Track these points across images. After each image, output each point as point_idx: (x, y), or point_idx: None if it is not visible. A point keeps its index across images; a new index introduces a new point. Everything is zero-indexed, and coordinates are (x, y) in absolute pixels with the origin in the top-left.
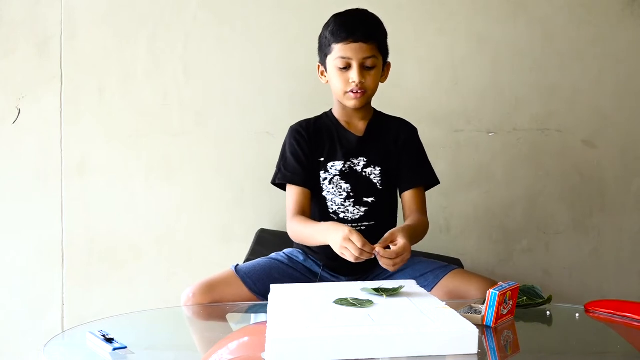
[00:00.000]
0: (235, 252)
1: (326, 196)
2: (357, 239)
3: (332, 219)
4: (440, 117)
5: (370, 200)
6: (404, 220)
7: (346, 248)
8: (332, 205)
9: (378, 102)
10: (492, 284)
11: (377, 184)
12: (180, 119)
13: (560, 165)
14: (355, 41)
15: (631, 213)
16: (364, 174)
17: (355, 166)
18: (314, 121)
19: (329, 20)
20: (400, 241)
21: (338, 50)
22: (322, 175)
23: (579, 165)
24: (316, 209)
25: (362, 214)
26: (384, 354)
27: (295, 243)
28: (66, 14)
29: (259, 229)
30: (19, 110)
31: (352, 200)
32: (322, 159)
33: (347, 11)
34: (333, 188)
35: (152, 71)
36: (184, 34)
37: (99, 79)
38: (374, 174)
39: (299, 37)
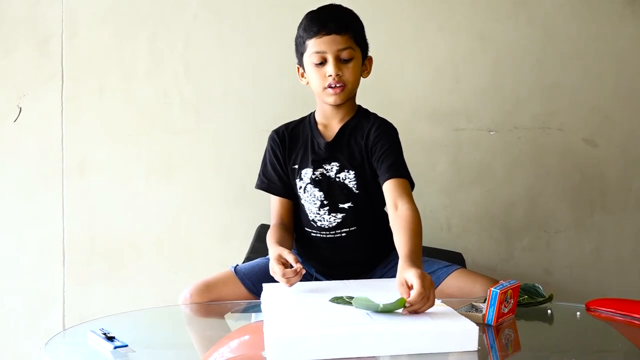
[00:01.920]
0: (235, 251)
1: (304, 204)
2: (277, 271)
3: (312, 226)
4: (441, 116)
5: (346, 206)
6: (389, 212)
7: (275, 273)
8: (309, 213)
9: (379, 102)
10: (494, 282)
11: (353, 188)
12: (181, 118)
13: (561, 164)
14: (328, 33)
15: (632, 212)
16: (337, 179)
17: (328, 172)
18: (293, 125)
19: (301, 20)
20: (416, 286)
21: (312, 45)
22: (298, 183)
23: (580, 164)
24: (299, 216)
25: (339, 220)
26: (384, 352)
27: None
28: (67, 13)
29: (259, 224)
30: (20, 108)
31: (326, 208)
32: (296, 166)
33: (319, 7)
34: (308, 196)
35: (153, 70)
36: (184, 33)
37: (100, 77)
38: (349, 178)
39: None
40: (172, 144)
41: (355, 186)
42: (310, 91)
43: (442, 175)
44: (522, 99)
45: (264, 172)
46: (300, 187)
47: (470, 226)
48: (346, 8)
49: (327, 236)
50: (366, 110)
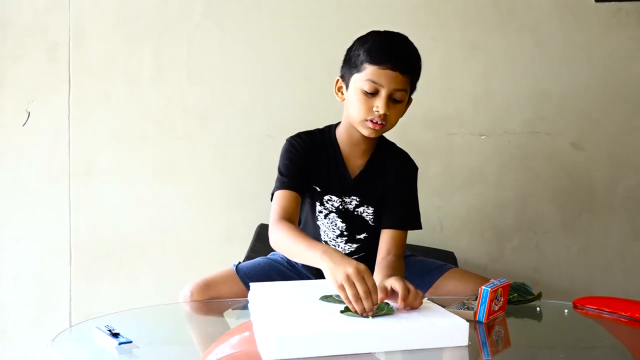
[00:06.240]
0: (236, 251)
1: (320, 226)
2: (369, 278)
3: None
4: (434, 121)
5: (362, 236)
6: (378, 254)
7: (352, 285)
8: (324, 236)
9: None
10: (485, 281)
11: (370, 221)
12: (184, 123)
13: (549, 167)
14: (392, 68)
15: (617, 214)
16: (356, 212)
17: (347, 204)
18: (315, 139)
19: (366, 37)
20: (400, 287)
21: (370, 73)
22: (318, 207)
23: (568, 167)
24: (309, 233)
25: (352, 249)
26: (379, 348)
27: None
28: (74, 22)
29: (258, 224)
30: (29, 113)
31: (344, 237)
32: (317, 188)
33: (388, 32)
34: (328, 223)
35: (157, 76)
36: (187, 40)
37: (106, 84)
38: (367, 212)
39: (299, 42)
40: (176, 147)
41: (372, 219)
42: (310, 97)
43: (435, 178)
44: (511, 105)
45: (284, 173)
46: (321, 212)
47: (463, 227)
48: (414, 46)
49: None
50: (385, 139)
